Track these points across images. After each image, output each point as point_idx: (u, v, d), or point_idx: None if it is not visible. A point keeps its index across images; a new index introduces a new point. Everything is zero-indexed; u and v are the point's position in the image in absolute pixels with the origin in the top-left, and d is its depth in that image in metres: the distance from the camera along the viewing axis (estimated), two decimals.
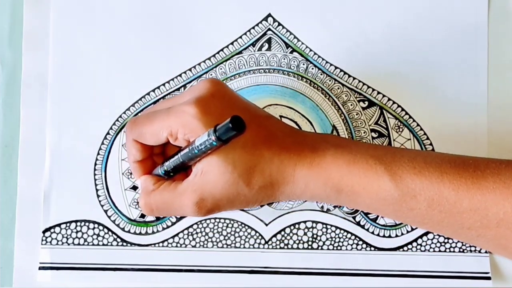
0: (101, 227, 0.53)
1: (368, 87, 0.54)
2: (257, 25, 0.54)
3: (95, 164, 0.53)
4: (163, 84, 0.54)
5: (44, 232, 0.53)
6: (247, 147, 0.43)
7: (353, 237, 0.52)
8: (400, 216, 0.45)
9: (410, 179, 0.43)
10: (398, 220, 0.47)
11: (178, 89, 0.54)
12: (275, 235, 0.52)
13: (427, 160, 0.44)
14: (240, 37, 0.54)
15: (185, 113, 0.43)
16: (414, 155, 0.45)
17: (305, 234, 0.52)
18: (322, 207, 0.53)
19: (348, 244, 0.52)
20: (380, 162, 0.43)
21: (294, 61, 0.54)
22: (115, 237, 0.53)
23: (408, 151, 0.46)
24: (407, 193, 0.43)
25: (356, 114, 0.54)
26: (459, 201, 0.42)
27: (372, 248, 0.52)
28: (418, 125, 0.53)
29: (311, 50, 0.54)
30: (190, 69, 0.54)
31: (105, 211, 0.53)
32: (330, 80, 0.54)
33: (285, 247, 0.52)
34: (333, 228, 0.52)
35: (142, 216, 0.53)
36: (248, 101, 0.47)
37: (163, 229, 0.53)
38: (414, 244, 0.52)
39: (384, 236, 0.52)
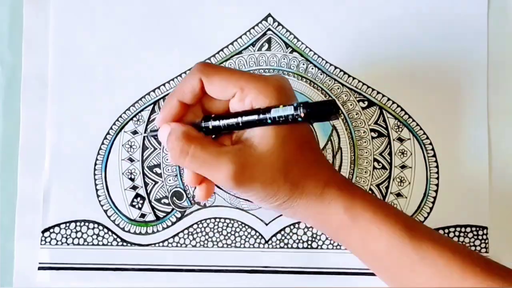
0: (101, 227, 0.53)
1: (368, 87, 0.54)
2: (257, 25, 0.54)
3: (95, 164, 0.53)
4: (163, 84, 0.54)
5: (43, 232, 0.53)
6: (300, 143, 0.43)
7: None
8: (399, 275, 0.45)
9: (426, 245, 0.43)
10: (396, 280, 0.47)
11: None
12: (275, 235, 0.53)
13: (443, 238, 0.45)
14: (240, 37, 0.54)
15: (269, 81, 0.42)
16: (431, 231, 0.45)
17: (304, 233, 0.52)
18: None
19: None
20: (403, 219, 0.44)
21: (294, 61, 0.54)
22: (115, 237, 0.53)
23: (425, 226, 0.46)
24: (416, 254, 0.43)
25: (356, 114, 0.54)
26: (464, 283, 0.43)
27: None
28: (417, 125, 0.53)
29: (311, 50, 0.54)
30: (190, 69, 0.54)
31: (105, 211, 0.53)
32: (330, 80, 0.54)
33: (285, 246, 0.52)
34: None
35: (142, 216, 0.53)
36: None
37: (163, 229, 0.53)
38: None
39: None
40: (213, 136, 0.44)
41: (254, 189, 0.42)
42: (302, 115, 0.40)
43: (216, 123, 0.43)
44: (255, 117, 0.41)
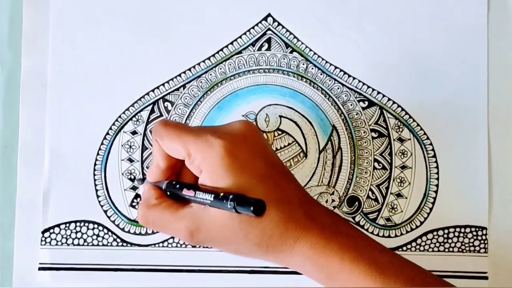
0: (100, 227, 0.53)
1: (368, 87, 0.54)
2: (256, 25, 0.54)
3: (95, 165, 0.53)
4: (163, 84, 0.54)
5: (43, 232, 0.53)
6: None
7: None
8: None
9: None
10: None
11: (177, 89, 0.54)
12: None
13: (424, 285, 0.43)
14: (240, 37, 0.54)
15: (211, 146, 0.42)
16: (413, 275, 0.43)
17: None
18: None
19: None
20: (380, 272, 0.42)
21: (293, 61, 0.54)
22: (115, 237, 0.53)
23: (410, 267, 0.44)
24: None
25: (356, 114, 0.54)
26: None
27: None
28: (418, 125, 0.53)
29: (311, 50, 0.54)
30: (189, 69, 0.54)
31: (105, 211, 0.53)
32: (330, 80, 0.54)
33: None
34: None
35: None
36: (276, 154, 0.47)
37: None
38: (413, 244, 0.52)
39: (383, 236, 0.53)
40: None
41: (216, 247, 0.45)
42: (232, 210, 0.40)
43: (173, 191, 0.45)
44: (201, 196, 0.43)
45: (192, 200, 0.43)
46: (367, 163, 0.53)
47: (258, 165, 0.43)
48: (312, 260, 0.42)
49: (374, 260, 0.42)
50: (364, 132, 0.53)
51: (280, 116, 0.54)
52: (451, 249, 0.52)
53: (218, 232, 0.42)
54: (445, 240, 0.52)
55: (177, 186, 0.45)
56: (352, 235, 0.44)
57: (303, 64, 0.54)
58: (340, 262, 0.42)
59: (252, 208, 0.39)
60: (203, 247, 0.52)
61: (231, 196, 0.40)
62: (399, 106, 0.53)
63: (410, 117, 0.53)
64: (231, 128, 0.44)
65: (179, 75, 0.54)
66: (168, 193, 0.46)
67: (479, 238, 0.52)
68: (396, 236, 0.53)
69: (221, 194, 0.41)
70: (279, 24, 0.54)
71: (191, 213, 0.43)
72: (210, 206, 0.42)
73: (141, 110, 0.54)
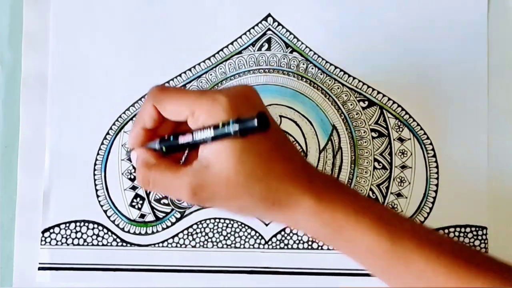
0: (100, 227, 0.53)
1: (368, 87, 0.54)
2: (257, 25, 0.54)
3: (95, 164, 0.53)
4: (163, 84, 0.54)
5: (43, 232, 0.53)
6: (263, 156, 0.42)
7: None
8: (387, 279, 0.45)
9: (410, 251, 0.42)
10: (385, 282, 0.46)
11: None
12: (275, 235, 0.52)
13: (430, 237, 0.43)
14: (240, 37, 0.54)
15: (215, 100, 0.41)
16: (419, 229, 0.44)
17: (305, 234, 0.52)
18: None
19: None
20: (386, 223, 0.42)
21: (294, 61, 0.54)
22: (115, 237, 0.53)
23: (413, 223, 0.45)
24: (402, 262, 0.42)
25: (356, 114, 0.54)
26: (446, 286, 0.42)
27: None
28: (418, 124, 0.53)
29: (311, 50, 0.54)
30: (190, 69, 0.54)
31: (105, 211, 0.53)
32: (330, 80, 0.54)
33: (285, 247, 0.52)
34: None
35: (142, 216, 0.53)
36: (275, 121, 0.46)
37: (163, 229, 0.53)
38: None
39: None
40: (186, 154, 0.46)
41: (219, 205, 0.43)
42: (235, 128, 0.39)
43: (168, 143, 0.44)
44: (200, 133, 0.42)
45: (192, 144, 0.42)
46: (367, 163, 0.53)
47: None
48: (317, 215, 0.42)
49: (378, 214, 0.43)
50: (364, 132, 0.53)
51: (280, 116, 0.54)
52: None
53: (222, 188, 0.41)
54: None
55: (171, 138, 0.44)
56: (354, 193, 0.45)
57: (303, 64, 0.54)
58: (345, 216, 0.42)
59: (256, 121, 0.38)
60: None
61: (231, 120, 0.39)
62: (399, 106, 0.53)
63: (410, 117, 0.53)
64: (233, 88, 0.44)
65: (179, 75, 0.54)
66: (164, 149, 0.44)
67: (479, 238, 0.52)
68: None
69: (221, 123, 0.40)
70: (279, 24, 0.54)
71: (193, 171, 0.42)
72: (212, 140, 0.41)
73: None
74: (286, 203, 0.42)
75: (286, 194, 0.42)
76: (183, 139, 0.43)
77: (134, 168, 0.53)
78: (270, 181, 0.42)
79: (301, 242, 0.52)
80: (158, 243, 0.53)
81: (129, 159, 0.54)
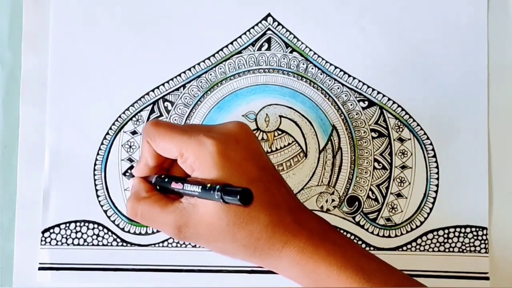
0: (100, 227, 0.53)
1: (368, 87, 0.54)
2: (256, 24, 0.54)
3: (95, 164, 0.53)
4: (163, 84, 0.54)
5: (43, 232, 0.53)
6: (253, 210, 0.42)
7: (352, 237, 0.52)
8: None
9: None
10: None
11: (177, 89, 0.54)
12: None
13: None
14: (240, 36, 0.54)
15: (203, 145, 0.42)
16: (401, 283, 0.43)
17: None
18: (322, 207, 0.53)
19: None
20: (367, 280, 0.42)
21: (293, 61, 0.54)
22: (115, 237, 0.53)
23: (397, 276, 0.44)
24: None
25: (356, 114, 0.54)
26: None
27: (372, 248, 0.52)
28: (418, 125, 0.53)
29: (311, 50, 0.54)
30: (189, 69, 0.54)
31: (105, 211, 0.53)
32: (330, 80, 0.54)
33: None
34: None
35: None
36: (268, 158, 0.47)
37: None
38: (414, 244, 0.52)
39: (383, 236, 0.53)
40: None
41: (202, 245, 0.45)
42: (220, 200, 0.40)
43: (162, 185, 0.46)
44: (190, 188, 0.43)
45: (181, 193, 0.44)
46: (367, 163, 0.53)
47: (249, 167, 0.43)
48: (300, 265, 0.42)
49: (361, 268, 0.42)
50: (364, 132, 0.53)
51: (280, 116, 0.54)
52: (451, 249, 0.52)
53: (206, 230, 0.42)
54: (446, 240, 0.52)
55: (166, 179, 0.45)
56: (340, 242, 0.44)
57: (303, 64, 0.54)
58: (328, 269, 0.42)
59: (238, 197, 0.38)
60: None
61: (217, 186, 0.40)
62: (399, 106, 0.53)
63: (410, 117, 0.53)
64: (225, 128, 0.44)
65: (179, 75, 0.54)
66: (158, 187, 0.46)
67: (480, 238, 0.52)
68: (396, 236, 0.53)
69: (208, 185, 0.41)
70: (279, 24, 0.54)
71: (181, 209, 0.43)
72: (198, 197, 0.42)
73: (141, 110, 0.54)
74: (268, 252, 0.43)
75: (269, 243, 0.42)
76: (175, 186, 0.44)
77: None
78: (252, 229, 0.42)
79: None
80: (158, 243, 0.53)
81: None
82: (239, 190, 0.39)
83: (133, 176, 0.48)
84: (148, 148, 0.45)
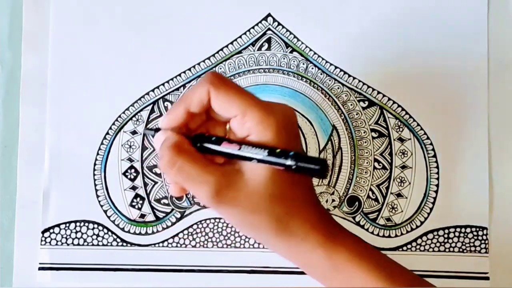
0: (100, 227, 0.53)
1: (368, 87, 0.54)
2: (257, 24, 0.54)
3: (95, 164, 0.53)
4: (163, 84, 0.54)
5: (43, 232, 0.53)
6: (291, 181, 0.42)
7: None
8: None
9: None
10: None
11: (177, 89, 0.54)
12: None
13: None
14: (240, 36, 0.54)
15: (269, 116, 0.41)
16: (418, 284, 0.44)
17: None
18: None
19: None
20: (385, 274, 0.43)
21: (294, 61, 0.54)
22: (115, 237, 0.53)
23: (412, 277, 0.44)
24: None
25: (356, 114, 0.54)
26: None
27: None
28: (418, 125, 0.53)
29: (311, 50, 0.54)
30: (189, 69, 0.54)
31: (105, 211, 0.53)
32: (330, 80, 0.54)
33: None
34: None
35: (142, 216, 0.53)
36: None
37: (163, 229, 0.53)
38: (414, 244, 0.52)
39: (383, 236, 0.53)
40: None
41: (234, 213, 0.42)
42: (293, 167, 0.39)
43: (207, 145, 0.42)
44: (244, 154, 0.40)
45: (232, 156, 0.41)
46: (367, 163, 0.53)
47: (298, 147, 0.42)
48: (323, 248, 0.42)
49: (381, 264, 0.43)
50: (364, 132, 0.53)
51: None
52: (451, 249, 0.52)
53: (246, 198, 0.41)
54: (446, 240, 0.52)
55: (213, 138, 0.42)
56: (355, 238, 0.45)
57: (303, 64, 0.54)
58: (348, 255, 0.42)
59: (318, 166, 0.37)
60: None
61: (291, 152, 0.39)
62: (399, 106, 0.53)
63: (410, 117, 0.53)
64: (283, 106, 0.43)
65: (179, 75, 0.54)
66: (198, 145, 0.42)
67: (480, 238, 0.52)
68: (396, 236, 0.53)
69: (278, 150, 0.39)
70: (279, 24, 0.54)
71: (224, 171, 0.41)
72: (259, 161, 0.40)
73: (141, 110, 0.54)
74: (297, 232, 0.42)
75: (299, 222, 0.42)
76: (228, 146, 0.41)
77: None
78: (290, 207, 0.42)
79: None
80: (158, 243, 0.53)
81: (151, 135, 0.47)
82: (318, 158, 0.38)
83: (157, 130, 0.44)
84: (202, 94, 0.42)
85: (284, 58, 0.54)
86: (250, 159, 0.40)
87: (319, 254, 0.43)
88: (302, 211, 0.42)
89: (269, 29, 0.54)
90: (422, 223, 0.52)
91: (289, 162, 0.39)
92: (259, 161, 0.40)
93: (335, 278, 0.43)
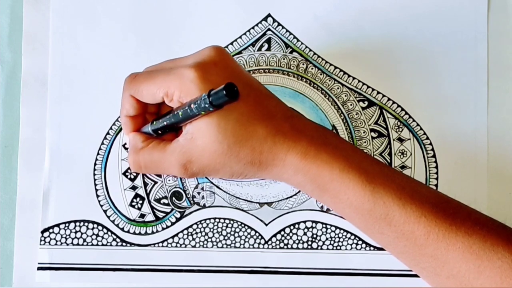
0: (100, 227, 0.53)
1: (368, 87, 0.54)
2: (256, 25, 0.54)
3: (95, 164, 0.53)
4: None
5: (42, 232, 0.53)
6: (242, 121, 0.43)
7: (352, 236, 0.52)
8: (370, 235, 0.46)
9: (391, 209, 0.43)
10: (369, 237, 0.48)
11: None
12: (275, 235, 0.52)
13: (414, 195, 0.44)
14: (240, 37, 0.54)
15: (183, 76, 0.43)
16: (404, 184, 0.44)
17: (304, 234, 0.52)
18: (322, 207, 0.53)
19: (348, 244, 0.52)
20: (370, 181, 0.43)
21: (293, 61, 0.54)
22: (115, 237, 0.53)
23: (400, 177, 0.45)
24: (383, 219, 0.43)
25: (356, 114, 0.54)
26: (425, 245, 0.43)
27: (372, 248, 0.52)
28: (418, 125, 0.53)
29: (310, 50, 0.54)
30: None
31: (105, 211, 0.53)
32: (330, 80, 0.54)
33: (285, 247, 0.52)
34: (333, 228, 0.52)
35: (142, 216, 0.53)
36: (251, 75, 0.47)
37: (163, 229, 0.53)
38: None
39: None
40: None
41: (211, 174, 0.45)
42: (207, 102, 0.40)
43: (154, 126, 0.47)
44: (179, 111, 0.43)
45: (181, 124, 0.44)
46: None
47: (241, 68, 0.45)
48: (304, 171, 0.43)
49: (364, 170, 0.44)
50: (363, 132, 0.53)
51: None
52: None
53: (210, 159, 0.43)
54: None
55: (160, 119, 0.46)
56: (342, 146, 0.45)
57: (303, 64, 0.54)
58: (330, 172, 0.43)
59: (224, 92, 0.38)
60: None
61: (203, 94, 0.40)
62: (399, 106, 0.53)
63: (410, 117, 0.53)
64: (201, 54, 0.45)
65: None
66: (159, 131, 0.47)
67: None
68: None
69: (193, 100, 0.41)
70: (279, 24, 0.54)
71: (180, 147, 0.44)
72: (192, 117, 0.42)
73: None
74: (273, 163, 0.43)
75: (272, 154, 0.43)
76: (164, 120, 0.45)
77: None
78: (253, 144, 0.43)
79: (301, 242, 0.52)
80: (158, 243, 0.53)
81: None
82: (223, 86, 0.39)
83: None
84: (128, 100, 0.47)
85: (284, 59, 0.54)
86: (187, 117, 0.42)
87: (301, 178, 0.44)
88: (265, 140, 0.43)
89: (269, 29, 0.54)
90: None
91: (204, 103, 0.40)
92: (191, 117, 0.42)
93: (323, 196, 0.45)
